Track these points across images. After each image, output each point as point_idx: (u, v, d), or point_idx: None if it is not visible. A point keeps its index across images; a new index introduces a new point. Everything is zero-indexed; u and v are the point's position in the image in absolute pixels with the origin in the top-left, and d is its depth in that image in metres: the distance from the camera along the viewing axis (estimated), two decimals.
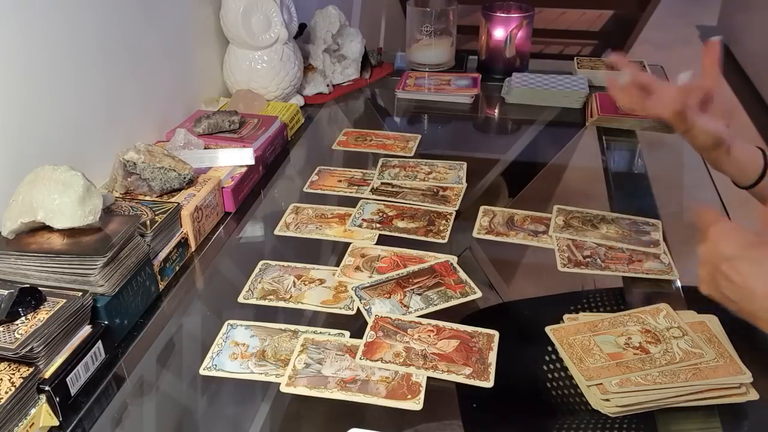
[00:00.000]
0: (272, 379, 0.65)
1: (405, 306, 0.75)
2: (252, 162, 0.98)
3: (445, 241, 0.87)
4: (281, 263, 0.83)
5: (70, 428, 0.61)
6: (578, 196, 0.98)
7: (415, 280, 0.79)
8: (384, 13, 2.37)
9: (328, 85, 1.34)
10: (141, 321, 0.74)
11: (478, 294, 0.77)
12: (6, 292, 0.63)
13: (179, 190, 0.88)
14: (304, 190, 1.01)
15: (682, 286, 0.76)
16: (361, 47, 1.39)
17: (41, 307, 0.64)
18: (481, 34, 1.44)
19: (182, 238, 0.83)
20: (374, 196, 0.98)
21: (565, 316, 0.72)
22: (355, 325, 0.72)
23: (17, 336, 0.60)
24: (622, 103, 0.86)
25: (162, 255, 0.79)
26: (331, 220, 0.92)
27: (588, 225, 0.89)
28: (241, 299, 0.77)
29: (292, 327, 0.72)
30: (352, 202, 0.96)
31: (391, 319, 0.72)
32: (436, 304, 0.75)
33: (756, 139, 2.80)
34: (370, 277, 0.80)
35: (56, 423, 0.61)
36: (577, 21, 3.60)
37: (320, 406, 0.63)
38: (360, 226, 0.90)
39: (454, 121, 1.30)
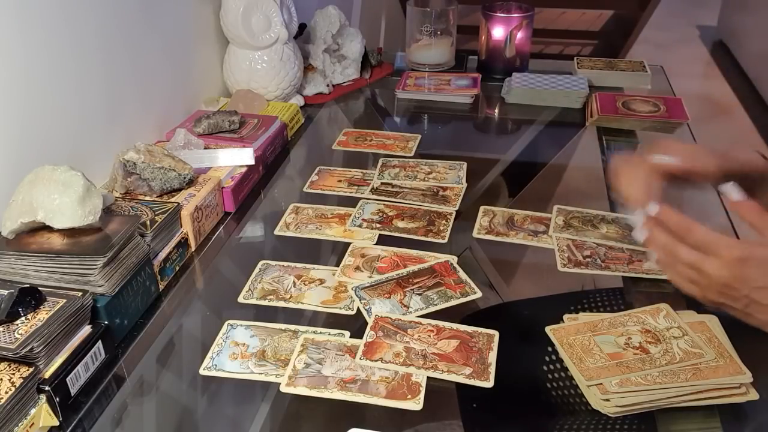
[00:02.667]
0: (272, 379, 0.65)
1: (405, 306, 0.75)
2: (252, 162, 0.98)
3: (445, 241, 0.87)
4: (281, 263, 0.83)
5: (70, 428, 0.61)
6: (578, 196, 0.98)
7: (415, 280, 0.79)
8: (384, 13, 2.37)
9: (328, 85, 1.34)
10: (141, 321, 0.74)
11: (478, 294, 0.77)
12: (6, 292, 0.63)
13: (179, 190, 0.88)
14: (304, 190, 1.01)
15: None
16: (361, 47, 1.38)
17: (41, 307, 0.64)
18: (481, 34, 1.43)
19: (182, 238, 0.83)
20: (374, 196, 0.98)
21: (565, 316, 0.72)
22: (355, 325, 0.72)
23: (17, 336, 0.60)
24: None
25: (162, 255, 0.79)
26: (331, 220, 0.92)
27: (588, 225, 0.89)
28: (241, 299, 0.77)
29: (292, 327, 0.72)
30: (352, 202, 0.96)
31: (391, 319, 0.72)
32: (436, 304, 0.75)
33: (756, 139, 2.80)
34: (370, 277, 0.80)
35: (56, 423, 0.61)
36: (577, 21, 3.61)
37: (320, 406, 0.63)
38: (360, 226, 0.90)
39: (454, 121, 1.30)
